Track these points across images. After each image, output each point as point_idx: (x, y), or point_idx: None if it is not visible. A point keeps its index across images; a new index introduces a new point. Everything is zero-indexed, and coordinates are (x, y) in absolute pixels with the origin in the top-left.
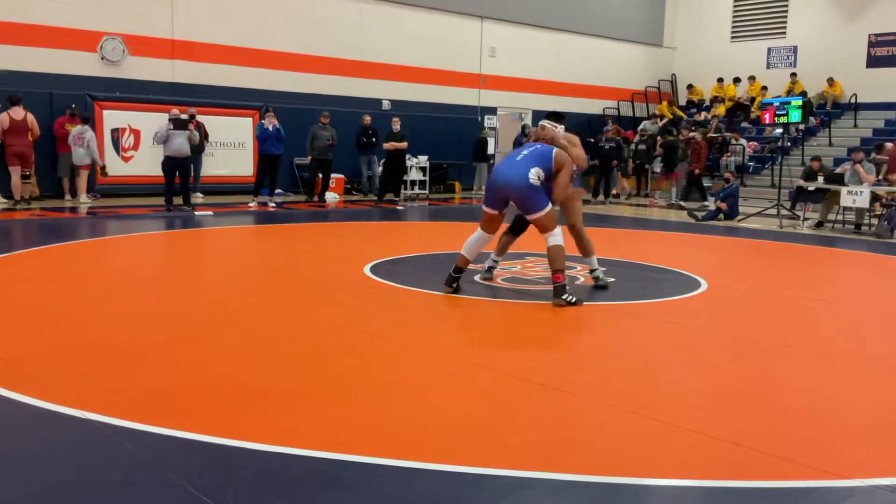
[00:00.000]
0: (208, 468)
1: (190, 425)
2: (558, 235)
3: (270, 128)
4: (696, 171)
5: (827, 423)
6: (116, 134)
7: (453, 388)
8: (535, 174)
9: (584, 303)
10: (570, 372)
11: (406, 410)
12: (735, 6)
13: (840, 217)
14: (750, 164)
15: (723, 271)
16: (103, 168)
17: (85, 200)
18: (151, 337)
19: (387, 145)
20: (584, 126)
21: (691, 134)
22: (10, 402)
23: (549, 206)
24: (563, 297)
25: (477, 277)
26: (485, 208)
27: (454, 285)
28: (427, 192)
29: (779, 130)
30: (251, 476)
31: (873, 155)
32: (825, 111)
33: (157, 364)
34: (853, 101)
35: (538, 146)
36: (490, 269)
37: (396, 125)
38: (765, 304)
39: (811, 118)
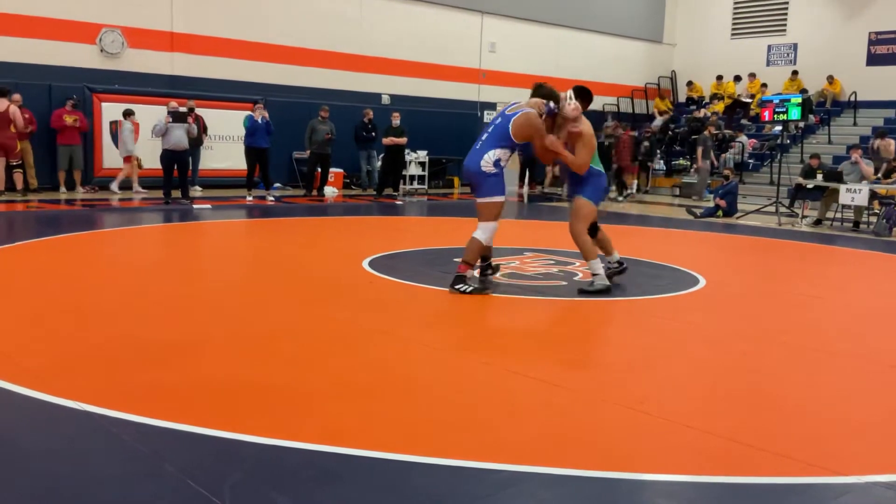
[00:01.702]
0: (206, 461)
1: (187, 418)
2: (484, 230)
3: (260, 120)
4: (617, 166)
5: (824, 419)
6: (115, 126)
7: (451, 382)
8: (490, 159)
9: (491, 293)
10: (568, 367)
11: (404, 404)
12: (735, 3)
13: (839, 215)
14: (749, 161)
15: (721, 268)
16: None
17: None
18: (149, 330)
19: (386, 140)
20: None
21: (619, 130)
22: (8, 393)
23: (496, 198)
24: (457, 286)
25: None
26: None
27: (487, 272)
28: (426, 187)
29: (778, 128)
30: (249, 469)
31: (873, 141)
32: (825, 109)
33: (154, 357)
34: (853, 98)
35: (498, 121)
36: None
37: (396, 120)
38: (763, 302)
39: (811, 116)
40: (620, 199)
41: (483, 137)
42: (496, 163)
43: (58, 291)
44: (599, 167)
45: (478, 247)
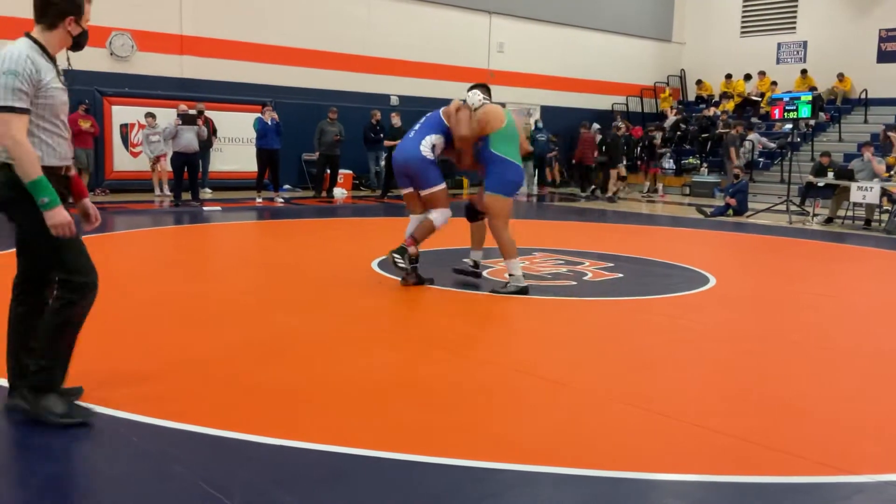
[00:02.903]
0: (215, 461)
1: (197, 419)
2: (439, 215)
3: (270, 122)
4: (577, 161)
5: (835, 418)
6: (125, 129)
7: (458, 382)
8: (427, 144)
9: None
10: (576, 367)
11: (411, 404)
12: (744, 1)
13: (850, 213)
14: (759, 159)
15: (731, 267)
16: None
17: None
18: (159, 331)
19: (388, 142)
20: (594, 121)
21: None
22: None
23: (442, 184)
24: (396, 256)
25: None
26: (401, 189)
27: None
28: None
29: (788, 126)
30: (257, 469)
31: (884, 132)
32: (835, 106)
33: (163, 357)
34: (863, 96)
35: (430, 113)
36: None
37: (396, 119)
38: (773, 301)
39: (821, 113)
40: (583, 196)
41: (411, 134)
42: (432, 149)
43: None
44: (514, 159)
45: (428, 227)
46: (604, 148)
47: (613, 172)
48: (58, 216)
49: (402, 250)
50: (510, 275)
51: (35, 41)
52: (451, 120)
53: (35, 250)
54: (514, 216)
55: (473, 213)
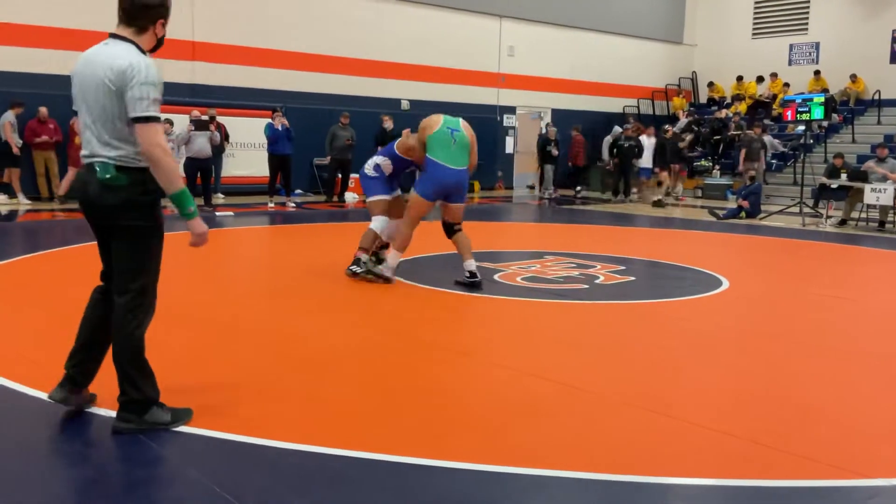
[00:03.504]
0: (230, 465)
1: (211, 423)
2: (376, 222)
3: (280, 127)
4: (573, 163)
5: (850, 421)
6: None
7: (471, 386)
8: (370, 164)
9: (381, 280)
10: (589, 370)
11: (424, 408)
12: (756, 2)
13: (864, 215)
14: (772, 161)
15: (744, 270)
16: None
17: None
18: (173, 336)
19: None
20: (604, 124)
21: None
22: (37, 401)
23: (378, 196)
24: (351, 267)
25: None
26: None
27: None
28: None
29: (801, 127)
30: (271, 473)
31: None
32: (848, 108)
33: (176, 362)
34: (877, 97)
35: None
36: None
37: (389, 124)
38: (787, 303)
39: (834, 115)
40: (578, 197)
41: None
42: (375, 167)
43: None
44: (446, 162)
45: (372, 236)
46: (615, 151)
47: (664, 175)
48: (202, 226)
49: (355, 262)
50: (387, 262)
51: (137, 46)
52: (401, 147)
53: (139, 257)
54: (530, 219)
55: (449, 228)
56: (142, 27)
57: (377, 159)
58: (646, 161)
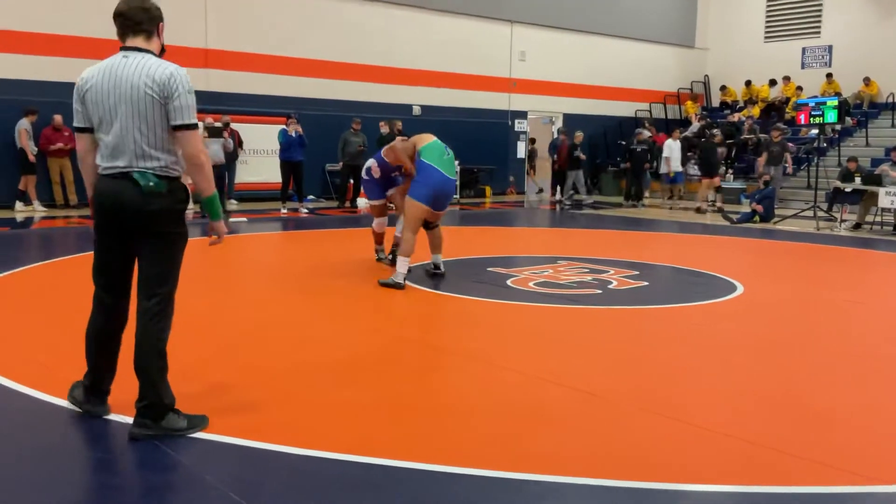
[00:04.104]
0: (245, 471)
1: (226, 429)
2: (376, 223)
3: (294, 134)
4: (559, 167)
5: (867, 427)
6: None
7: (484, 392)
8: (366, 167)
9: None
10: (603, 376)
11: (437, 414)
12: (768, 6)
13: (878, 218)
14: (785, 165)
15: (759, 274)
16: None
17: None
18: (189, 341)
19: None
20: (616, 128)
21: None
22: (49, 405)
23: (378, 200)
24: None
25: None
26: None
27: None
28: (458, 196)
29: (814, 131)
30: (286, 479)
31: None
32: (862, 111)
33: (191, 368)
34: (890, 100)
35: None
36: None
37: (385, 129)
38: (802, 308)
39: (847, 118)
40: (566, 201)
41: None
42: (367, 170)
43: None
44: (439, 167)
45: (373, 235)
46: (627, 155)
47: (706, 182)
48: (224, 227)
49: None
50: (397, 270)
51: (154, 55)
52: (386, 152)
53: (168, 263)
54: (542, 224)
55: (426, 223)
56: (149, 33)
57: (368, 162)
58: (676, 164)
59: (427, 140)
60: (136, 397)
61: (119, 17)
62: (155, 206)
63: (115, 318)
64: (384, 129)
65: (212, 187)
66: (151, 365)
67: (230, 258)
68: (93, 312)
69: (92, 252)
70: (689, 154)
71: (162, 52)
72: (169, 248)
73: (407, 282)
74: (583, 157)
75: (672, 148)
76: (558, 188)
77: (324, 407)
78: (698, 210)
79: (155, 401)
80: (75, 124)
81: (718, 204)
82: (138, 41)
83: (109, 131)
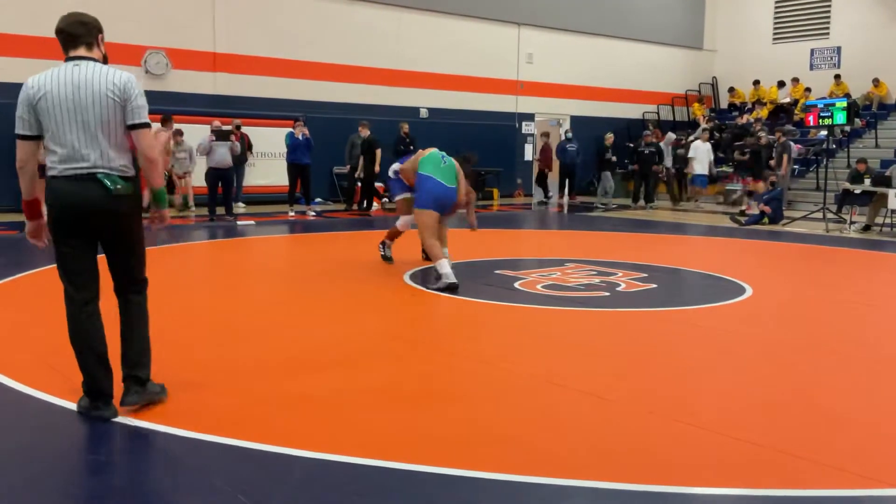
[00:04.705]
0: (254, 475)
1: (236, 432)
2: (401, 221)
3: (301, 137)
4: (545, 170)
5: (877, 430)
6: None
7: (494, 395)
8: (392, 169)
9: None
10: (612, 379)
11: (448, 417)
12: (776, 7)
13: (888, 220)
14: (795, 167)
15: (768, 276)
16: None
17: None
18: (196, 345)
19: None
20: (624, 130)
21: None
22: (59, 409)
23: (400, 195)
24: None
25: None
26: None
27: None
28: None
29: (823, 133)
30: (296, 483)
31: None
32: (871, 112)
33: (202, 371)
34: None
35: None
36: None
37: (365, 132)
38: (811, 310)
39: (856, 120)
40: (600, 204)
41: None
42: (394, 172)
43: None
44: (436, 176)
45: (394, 230)
46: (635, 157)
47: (760, 185)
48: (168, 214)
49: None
50: (439, 274)
51: (99, 62)
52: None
53: (140, 255)
54: (550, 226)
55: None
56: (90, 44)
57: (395, 166)
58: (700, 167)
59: (426, 153)
60: (124, 375)
61: (60, 33)
62: (124, 208)
63: (95, 318)
64: (363, 132)
65: (162, 181)
66: (148, 345)
67: (239, 261)
68: (73, 318)
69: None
70: (739, 156)
71: (105, 61)
72: (138, 241)
73: (415, 285)
74: (614, 158)
75: (698, 149)
76: (565, 190)
77: (333, 410)
78: (741, 213)
79: (148, 374)
80: (20, 131)
81: (742, 208)
82: (81, 51)
83: (67, 135)
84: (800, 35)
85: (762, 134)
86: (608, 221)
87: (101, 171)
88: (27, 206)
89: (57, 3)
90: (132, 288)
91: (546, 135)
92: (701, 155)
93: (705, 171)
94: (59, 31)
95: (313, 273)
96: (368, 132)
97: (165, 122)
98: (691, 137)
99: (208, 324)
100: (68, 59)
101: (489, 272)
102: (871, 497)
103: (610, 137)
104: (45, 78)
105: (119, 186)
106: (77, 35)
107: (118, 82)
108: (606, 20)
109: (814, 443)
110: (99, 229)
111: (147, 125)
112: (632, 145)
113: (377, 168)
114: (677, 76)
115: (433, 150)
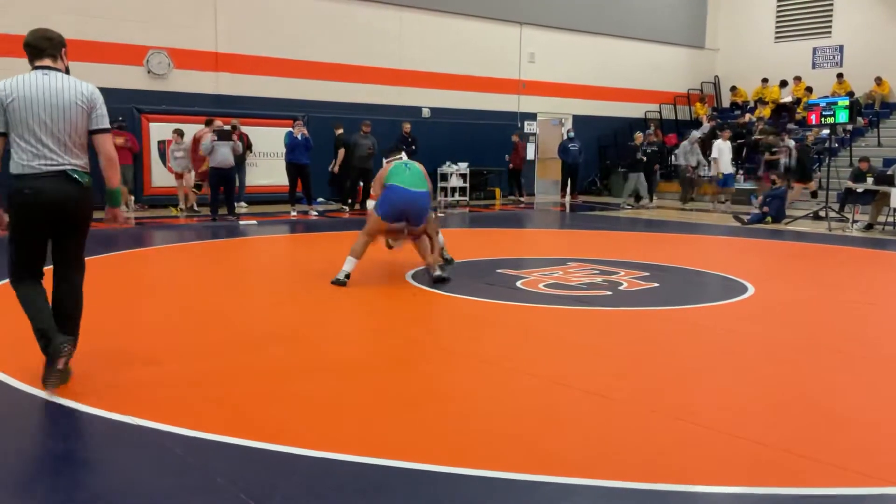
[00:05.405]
0: (256, 473)
1: (238, 431)
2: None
3: (300, 136)
4: (513, 167)
5: (880, 429)
6: (162, 146)
7: (496, 394)
8: (369, 205)
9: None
10: (614, 378)
11: (450, 417)
12: (778, 6)
13: (890, 219)
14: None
15: (770, 275)
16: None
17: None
18: (200, 345)
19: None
20: (626, 129)
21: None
22: (61, 408)
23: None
24: (440, 274)
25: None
26: None
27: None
28: (467, 198)
29: (826, 131)
30: (298, 481)
31: None
32: (873, 111)
33: (205, 371)
34: None
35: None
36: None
37: (339, 130)
38: (814, 309)
39: (859, 118)
40: (626, 205)
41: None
42: (373, 207)
43: (108, 307)
44: (400, 183)
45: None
46: (637, 155)
47: (798, 186)
48: (122, 214)
49: (440, 271)
50: (343, 269)
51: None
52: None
53: (84, 241)
54: (552, 226)
55: (413, 236)
56: (54, 57)
57: (369, 204)
58: (725, 166)
59: (388, 168)
60: (60, 339)
61: (27, 46)
62: (90, 199)
63: (42, 291)
64: (338, 130)
65: (118, 181)
66: (80, 314)
67: (241, 260)
68: (25, 295)
69: (98, 255)
70: (769, 156)
71: (66, 71)
72: (87, 230)
73: (417, 284)
74: (644, 158)
75: (721, 149)
76: (568, 188)
77: (335, 409)
78: (816, 215)
79: (77, 333)
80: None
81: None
82: (46, 62)
83: (36, 136)
84: (802, 34)
85: (808, 134)
86: (608, 221)
87: (69, 168)
88: None
89: (58, 3)
90: (77, 267)
91: (517, 136)
92: (725, 155)
93: (731, 170)
94: (26, 45)
95: (316, 273)
96: (341, 130)
97: (209, 123)
98: (694, 135)
99: (208, 324)
100: (35, 68)
101: (491, 271)
102: (873, 495)
103: (639, 136)
104: (16, 83)
105: (86, 180)
106: (42, 49)
107: (86, 93)
108: (608, 19)
109: (816, 441)
110: (65, 218)
111: (108, 130)
112: (633, 144)
113: (336, 168)
114: (679, 75)
115: (396, 162)
